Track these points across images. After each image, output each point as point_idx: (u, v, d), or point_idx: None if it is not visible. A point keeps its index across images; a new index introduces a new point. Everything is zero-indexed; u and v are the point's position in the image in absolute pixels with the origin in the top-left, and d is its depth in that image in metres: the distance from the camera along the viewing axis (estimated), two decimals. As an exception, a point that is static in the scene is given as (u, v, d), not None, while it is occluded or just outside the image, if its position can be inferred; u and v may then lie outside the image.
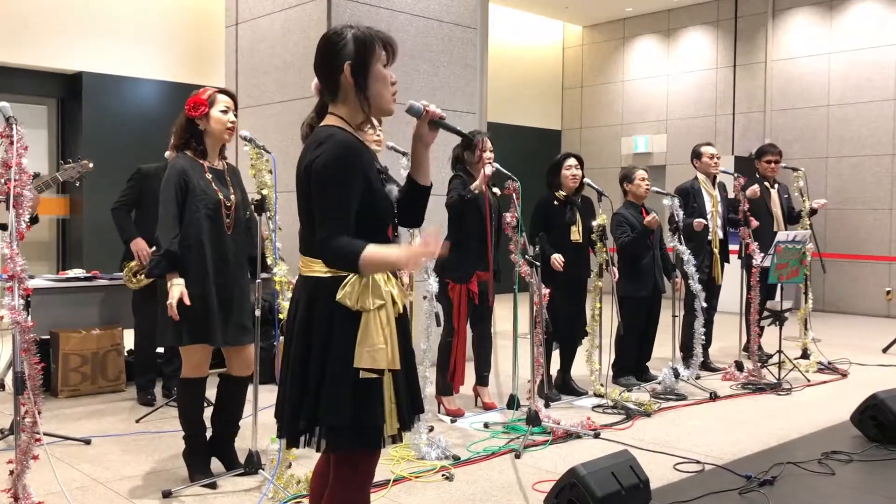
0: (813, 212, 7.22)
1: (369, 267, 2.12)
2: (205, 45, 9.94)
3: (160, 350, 5.58)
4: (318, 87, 2.34)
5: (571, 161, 5.66)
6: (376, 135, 4.44)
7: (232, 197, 3.77)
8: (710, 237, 6.62)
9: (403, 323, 2.32)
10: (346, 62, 2.22)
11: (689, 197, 6.62)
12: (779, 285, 6.73)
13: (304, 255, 2.29)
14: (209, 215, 3.67)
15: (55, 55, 9.12)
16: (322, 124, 2.28)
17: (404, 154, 4.35)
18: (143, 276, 5.19)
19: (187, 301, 3.54)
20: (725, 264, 6.78)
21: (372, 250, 2.11)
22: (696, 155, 6.85)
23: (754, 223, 6.50)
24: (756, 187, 6.67)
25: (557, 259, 5.44)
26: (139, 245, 5.27)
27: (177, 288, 3.55)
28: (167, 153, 5.35)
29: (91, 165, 4.85)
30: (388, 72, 2.28)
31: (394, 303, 2.26)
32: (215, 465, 3.94)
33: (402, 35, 6.75)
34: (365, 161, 2.21)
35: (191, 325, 3.63)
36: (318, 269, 2.22)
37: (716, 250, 6.64)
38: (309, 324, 2.22)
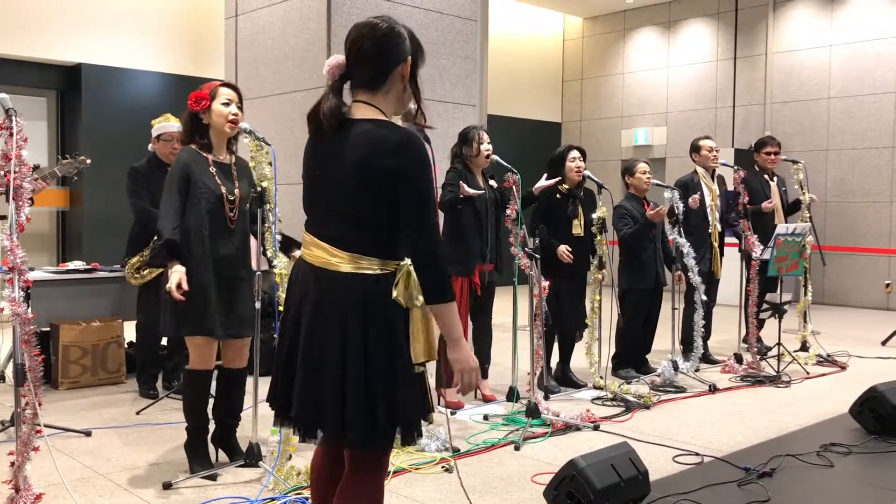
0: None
1: (444, 311, 2.18)
2: (204, 36, 9.92)
3: (163, 344, 5.59)
4: (335, 70, 2.27)
5: (575, 153, 5.63)
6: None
7: (236, 191, 3.78)
8: (710, 230, 6.63)
9: None
10: (408, 57, 2.28)
11: (690, 190, 6.62)
12: (778, 278, 6.74)
13: (346, 251, 2.21)
14: (210, 209, 3.69)
15: (55, 47, 9.11)
16: (370, 117, 2.23)
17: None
18: (145, 271, 5.19)
19: (185, 286, 3.51)
20: (722, 258, 6.78)
21: (455, 310, 2.20)
22: (695, 149, 6.84)
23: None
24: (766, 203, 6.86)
25: (566, 250, 5.43)
26: None
27: (176, 274, 3.54)
28: (150, 146, 5.37)
29: (88, 162, 4.85)
30: None
31: None
32: (217, 455, 3.95)
33: (402, 27, 6.72)
34: None
35: (189, 317, 3.65)
36: (366, 265, 2.19)
37: (715, 244, 6.65)
38: (364, 322, 2.18)
